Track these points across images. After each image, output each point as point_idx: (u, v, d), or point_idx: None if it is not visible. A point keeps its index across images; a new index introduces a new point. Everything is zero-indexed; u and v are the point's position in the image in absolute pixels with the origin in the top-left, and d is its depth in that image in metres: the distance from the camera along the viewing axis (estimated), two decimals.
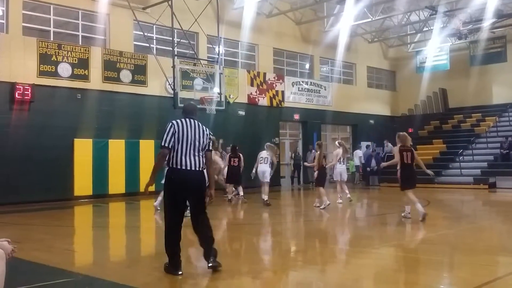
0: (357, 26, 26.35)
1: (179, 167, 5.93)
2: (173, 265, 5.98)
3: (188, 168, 5.93)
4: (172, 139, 5.93)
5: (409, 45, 30.15)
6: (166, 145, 5.93)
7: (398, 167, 10.84)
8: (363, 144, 26.16)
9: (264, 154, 14.82)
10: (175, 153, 5.95)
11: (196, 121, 6.19)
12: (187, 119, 6.15)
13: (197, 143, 6.02)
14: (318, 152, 13.80)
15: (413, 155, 10.79)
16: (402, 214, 10.97)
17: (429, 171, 11.72)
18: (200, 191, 6.10)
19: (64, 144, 17.06)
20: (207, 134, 6.18)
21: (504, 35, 26.44)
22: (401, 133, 11.28)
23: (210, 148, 6.30)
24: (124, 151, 18.48)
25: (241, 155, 15.79)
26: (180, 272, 5.93)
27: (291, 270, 6.64)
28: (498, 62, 26.73)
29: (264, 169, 14.68)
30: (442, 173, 22.41)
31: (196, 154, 6.00)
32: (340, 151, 14.78)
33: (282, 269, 6.65)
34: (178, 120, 6.08)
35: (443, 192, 19.17)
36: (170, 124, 6.04)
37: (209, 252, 6.05)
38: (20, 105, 16.32)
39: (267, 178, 14.69)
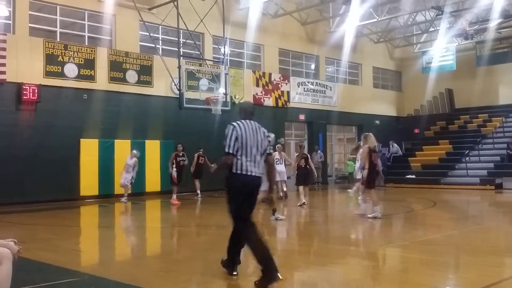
0: (363, 27, 26.29)
1: (244, 172, 5.55)
2: (231, 265, 5.87)
3: (253, 174, 5.60)
4: (236, 144, 5.55)
5: (415, 46, 30.06)
6: (231, 151, 5.54)
7: (367, 167, 11.21)
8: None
9: (276, 155, 14.50)
10: (239, 158, 5.56)
11: (256, 123, 5.79)
12: (248, 121, 5.74)
13: (259, 146, 5.67)
14: (297, 154, 14.53)
15: (377, 156, 11.42)
16: (372, 215, 11.10)
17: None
18: (256, 197, 5.78)
19: (70, 144, 17.13)
20: (267, 137, 5.82)
21: (511, 35, 26.30)
22: (368, 133, 11.70)
23: (270, 151, 6.05)
24: (129, 152, 18.49)
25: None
26: (235, 273, 5.82)
27: (296, 270, 6.63)
28: (505, 62, 26.61)
29: (280, 169, 14.57)
30: (448, 174, 22.33)
31: (258, 158, 5.67)
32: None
33: (286, 268, 6.65)
34: (239, 123, 5.67)
35: (449, 193, 19.10)
36: (232, 127, 5.63)
37: (236, 260, 5.92)
38: (26, 105, 16.40)
39: (284, 176, 15.24)
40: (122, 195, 16.68)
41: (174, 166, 15.86)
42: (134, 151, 16.78)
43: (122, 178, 16.67)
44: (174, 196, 15.80)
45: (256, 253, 5.51)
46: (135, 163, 16.57)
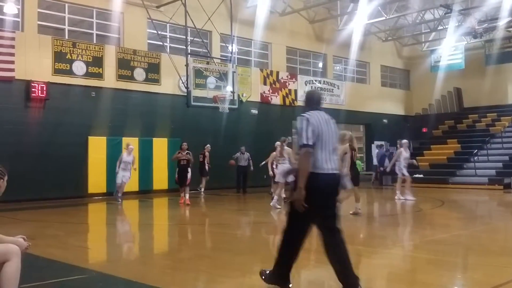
0: (371, 25, 26.19)
1: (323, 171, 4.81)
2: (283, 276, 5.05)
3: (331, 171, 4.87)
4: (313, 136, 4.78)
5: (423, 44, 29.92)
6: (310, 143, 4.73)
7: (349, 166, 11.14)
8: (376, 143, 26.02)
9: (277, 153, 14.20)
10: (316, 154, 4.80)
11: (325, 114, 5.07)
12: (318, 112, 5.00)
13: (334, 139, 5.00)
14: (274, 152, 14.23)
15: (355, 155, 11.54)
16: (353, 212, 11.49)
17: None
18: (336, 198, 5.02)
19: (78, 141, 17.20)
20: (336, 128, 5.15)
21: None
22: (348, 132, 11.81)
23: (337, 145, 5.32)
24: (137, 149, 18.55)
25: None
26: (290, 285, 5.09)
27: (303, 269, 6.62)
28: None
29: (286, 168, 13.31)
30: (457, 173, 22.22)
31: (334, 153, 4.97)
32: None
33: (294, 267, 6.63)
34: (311, 113, 4.91)
35: (458, 193, 19.00)
36: (304, 118, 4.84)
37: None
38: (35, 102, 16.49)
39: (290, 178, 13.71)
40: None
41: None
42: (131, 146, 15.76)
43: (120, 178, 15.48)
44: (182, 195, 15.11)
45: (339, 267, 4.83)
46: (133, 159, 15.73)
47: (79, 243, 8.74)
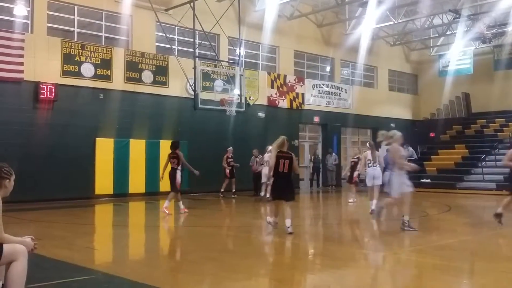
0: (379, 29, 26.15)
1: None
2: None
3: None
4: None
5: (431, 49, 29.84)
6: None
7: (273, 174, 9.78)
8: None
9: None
10: None
11: None
12: None
13: None
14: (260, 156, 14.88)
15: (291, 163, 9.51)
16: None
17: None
18: None
19: (86, 143, 17.29)
20: None
21: None
22: (282, 138, 9.72)
23: None
24: (144, 151, 18.64)
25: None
26: None
27: (308, 272, 6.61)
28: None
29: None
30: (464, 179, 22.09)
31: None
32: (368, 153, 13.32)
33: (299, 271, 6.63)
34: None
35: (465, 198, 18.90)
36: None
37: None
38: (43, 104, 16.59)
39: (377, 182, 12.79)
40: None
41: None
42: None
43: None
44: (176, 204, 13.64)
45: None
46: None
47: (85, 244, 8.77)
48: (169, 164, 13.19)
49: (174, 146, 13.24)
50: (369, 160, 13.06)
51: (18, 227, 9.90)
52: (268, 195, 14.67)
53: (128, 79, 18.60)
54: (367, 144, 13.88)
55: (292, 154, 9.75)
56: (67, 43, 17.25)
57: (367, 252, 8.38)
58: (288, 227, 9.22)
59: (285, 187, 9.55)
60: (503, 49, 26.64)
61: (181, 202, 13.23)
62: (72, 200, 16.05)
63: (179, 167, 13.06)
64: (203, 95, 17.79)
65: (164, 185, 18.98)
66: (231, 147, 18.93)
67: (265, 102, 22.76)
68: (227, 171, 18.58)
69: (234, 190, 18.61)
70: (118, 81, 18.31)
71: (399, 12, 24.25)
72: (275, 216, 9.81)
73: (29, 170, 15.73)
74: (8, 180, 4.38)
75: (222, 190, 18.55)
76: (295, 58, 24.69)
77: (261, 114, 22.52)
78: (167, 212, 12.73)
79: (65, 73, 17.11)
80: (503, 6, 21.99)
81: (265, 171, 16.10)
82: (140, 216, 14.90)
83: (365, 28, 24.50)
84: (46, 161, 16.27)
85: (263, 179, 17.08)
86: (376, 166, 12.95)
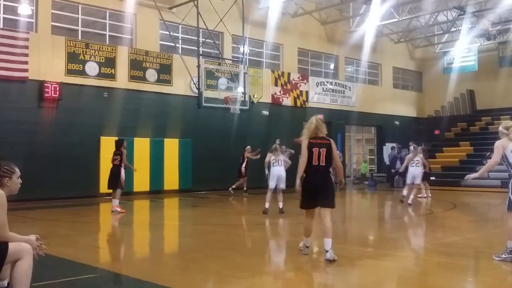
0: (383, 26, 26.09)
1: None
2: None
3: None
4: None
5: (436, 46, 29.73)
6: None
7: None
8: (388, 145, 25.90)
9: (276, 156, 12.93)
10: None
11: None
12: None
13: None
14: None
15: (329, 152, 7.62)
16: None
17: None
18: None
19: (90, 141, 17.33)
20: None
21: None
22: (314, 119, 7.31)
23: None
24: (149, 149, 18.68)
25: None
26: None
27: (313, 271, 6.61)
28: None
29: (280, 172, 12.37)
30: None
31: None
32: (411, 154, 15.32)
33: (303, 269, 6.63)
34: None
35: (470, 196, 18.86)
36: None
37: None
38: (48, 103, 16.64)
39: (283, 184, 12.34)
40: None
41: None
42: None
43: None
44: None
45: None
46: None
47: (90, 242, 8.80)
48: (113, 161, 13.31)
49: (119, 144, 13.44)
50: (417, 160, 14.94)
51: (22, 226, 9.94)
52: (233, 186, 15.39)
53: (132, 78, 18.62)
54: (412, 147, 15.83)
55: (331, 140, 7.11)
56: (71, 41, 17.28)
57: (371, 250, 8.37)
58: (327, 251, 6.54)
59: (321, 187, 6.86)
60: (508, 46, 26.53)
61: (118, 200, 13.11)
62: (77, 199, 16.09)
63: (123, 165, 13.18)
64: (207, 93, 17.79)
65: (168, 183, 19.14)
66: (249, 146, 18.97)
67: (269, 100, 22.75)
68: (243, 170, 18.65)
69: (245, 189, 18.72)
70: (122, 80, 18.34)
71: (403, 9, 24.18)
72: (308, 235, 7.09)
73: (33, 168, 15.75)
74: (8, 178, 4.37)
75: (234, 187, 18.67)
76: (299, 56, 24.66)
77: (265, 112, 22.51)
78: (119, 210, 12.80)
79: (69, 72, 17.14)
80: (507, 3, 21.90)
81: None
82: (144, 214, 14.93)
83: (369, 26, 24.42)
84: (50, 160, 16.32)
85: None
86: (418, 166, 14.89)
